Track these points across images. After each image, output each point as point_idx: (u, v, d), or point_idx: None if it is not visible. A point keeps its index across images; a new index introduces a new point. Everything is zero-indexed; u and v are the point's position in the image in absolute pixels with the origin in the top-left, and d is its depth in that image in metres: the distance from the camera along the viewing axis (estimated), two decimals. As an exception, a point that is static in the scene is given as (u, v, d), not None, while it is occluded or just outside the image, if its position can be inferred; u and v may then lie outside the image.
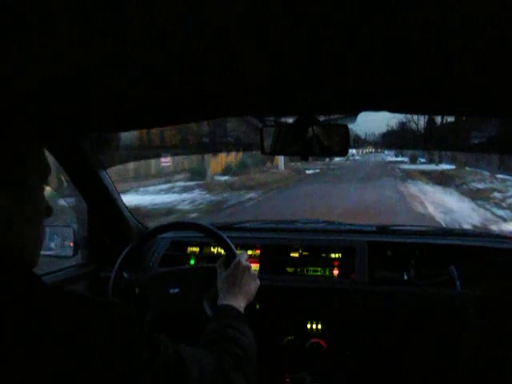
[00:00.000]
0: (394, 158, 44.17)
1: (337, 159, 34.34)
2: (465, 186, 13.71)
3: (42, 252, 1.55)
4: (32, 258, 0.70)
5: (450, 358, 0.95)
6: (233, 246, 1.37)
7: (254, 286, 1.23)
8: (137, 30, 0.52)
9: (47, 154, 1.36)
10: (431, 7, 0.46)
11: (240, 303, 1.12)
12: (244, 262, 1.25)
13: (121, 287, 1.41)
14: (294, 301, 1.61)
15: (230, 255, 1.35)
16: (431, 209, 9.69)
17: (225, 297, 1.14)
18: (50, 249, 1.60)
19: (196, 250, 1.82)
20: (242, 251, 1.42)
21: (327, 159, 30.15)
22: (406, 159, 38.49)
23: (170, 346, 0.71)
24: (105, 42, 0.56)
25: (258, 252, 1.75)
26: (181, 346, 0.75)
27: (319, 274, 1.67)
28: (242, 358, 0.90)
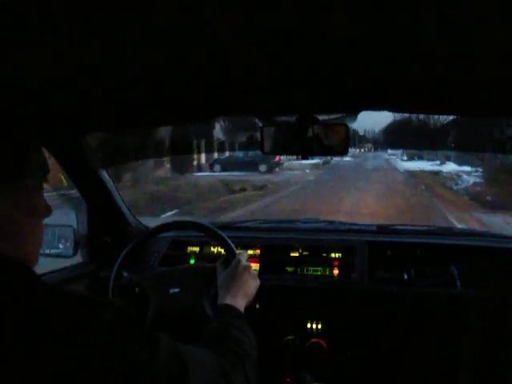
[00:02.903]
0: (413, 164, 25.63)
1: (295, 162, 22.01)
2: None
3: (42, 251, 1.57)
4: (31, 257, 0.70)
5: (450, 358, 0.95)
6: (233, 246, 1.37)
7: (254, 285, 1.23)
8: (137, 30, 0.52)
9: (47, 153, 1.37)
10: (431, 7, 0.46)
11: (240, 302, 1.12)
12: (244, 262, 1.26)
13: (121, 287, 1.41)
14: (294, 300, 1.61)
15: (230, 255, 1.35)
16: None
17: (225, 296, 1.14)
18: (50, 248, 1.60)
19: (196, 249, 1.82)
20: (242, 251, 1.42)
21: (261, 166, 18.30)
22: (441, 166, 21.49)
23: (170, 345, 0.71)
24: (105, 41, 0.56)
25: (258, 252, 1.75)
26: (181, 346, 0.75)
27: (319, 273, 1.67)
28: (243, 356, 0.90)
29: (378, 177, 17.43)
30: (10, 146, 0.65)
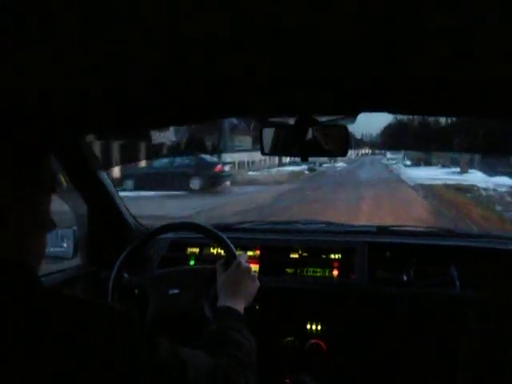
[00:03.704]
0: (423, 172, 18.71)
1: (273, 170, 20.11)
2: None
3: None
4: (33, 268, 0.70)
5: (449, 359, 0.95)
6: (233, 247, 1.37)
7: (253, 287, 1.23)
8: (137, 30, 0.52)
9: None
10: (431, 7, 0.46)
11: (240, 305, 1.12)
12: (244, 264, 1.25)
13: (120, 288, 1.41)
14: (293, 301, 1.61)
15: (230, 256, 1.35)
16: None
17: (225, 298, 1.14)
18: (50, 250, 1.60)
19: (196, 250, 1.82)
20: (241, 252, 1.41)
21: (193, 182, 12.44)
22: (465, 176, 15.70)
23: (170, 347, 0.71)
24: (105, 41, 0.56)
25: (258, 253, 1.75)
26: (180, 348, 0.75)
27: (319, 274, 1.67)
28: (242, 359, 0.90)
29: (376, 203, 10.18)
30: (20, 157, 0.66)
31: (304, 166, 21.52)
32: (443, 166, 21.80)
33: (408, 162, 27.24)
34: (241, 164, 22.81)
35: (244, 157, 23.02)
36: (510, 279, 0.85)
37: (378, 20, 0.50)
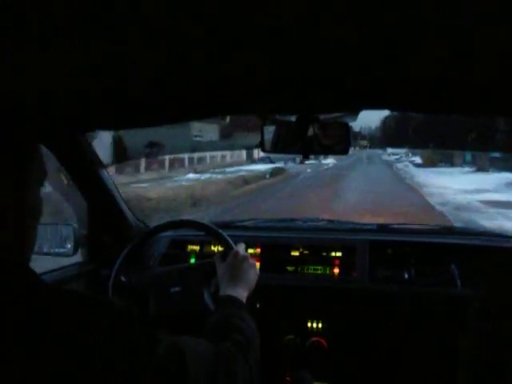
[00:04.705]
0: (457, 182, 13.72)
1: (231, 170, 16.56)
2: None
3: (43, 250, 1.56)
4: (26, 259, 0.70)
5: (449, 358, 0.95)
6: (230, 240, 1.37)
7: (253, 274, 1.22)
8: (137, 30, 0.52)
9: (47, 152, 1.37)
10: (431, 7, 0.46)
11: (241, 293, 1.12)
12: (242, 252, 1.25)
13: (121, 287, 1.41)
14: (294, 299, 1.61)
15: (228, 248, 1.34)
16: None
17: (225, 287, 1.14)
18: (51, 247, 1.60)
19: (196, 248, 1.82)
20: (240, 243, 1.41)
21: None
22: None
23: (169, 341, 0.71)
24: (105, 41, 0.56)
25: (259, 250, 1.75)
26: (182, 341, 0.74)
27: (320, 272, 1.67)
28: (245, 346, 0.90)
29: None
30: (12, 146, 0.66)
31: (279, 165, 17.77)
32: (478, 168, 14.89)
33: (417, 159, 19.99)
34: (176, 162, 16.78)
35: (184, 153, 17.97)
36: (508, 277, 0.85)
37: (378, 20, 0.50)
